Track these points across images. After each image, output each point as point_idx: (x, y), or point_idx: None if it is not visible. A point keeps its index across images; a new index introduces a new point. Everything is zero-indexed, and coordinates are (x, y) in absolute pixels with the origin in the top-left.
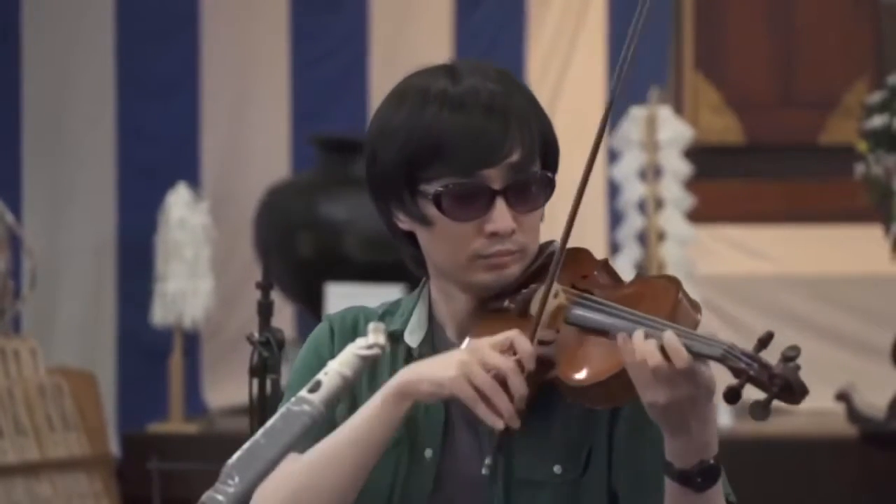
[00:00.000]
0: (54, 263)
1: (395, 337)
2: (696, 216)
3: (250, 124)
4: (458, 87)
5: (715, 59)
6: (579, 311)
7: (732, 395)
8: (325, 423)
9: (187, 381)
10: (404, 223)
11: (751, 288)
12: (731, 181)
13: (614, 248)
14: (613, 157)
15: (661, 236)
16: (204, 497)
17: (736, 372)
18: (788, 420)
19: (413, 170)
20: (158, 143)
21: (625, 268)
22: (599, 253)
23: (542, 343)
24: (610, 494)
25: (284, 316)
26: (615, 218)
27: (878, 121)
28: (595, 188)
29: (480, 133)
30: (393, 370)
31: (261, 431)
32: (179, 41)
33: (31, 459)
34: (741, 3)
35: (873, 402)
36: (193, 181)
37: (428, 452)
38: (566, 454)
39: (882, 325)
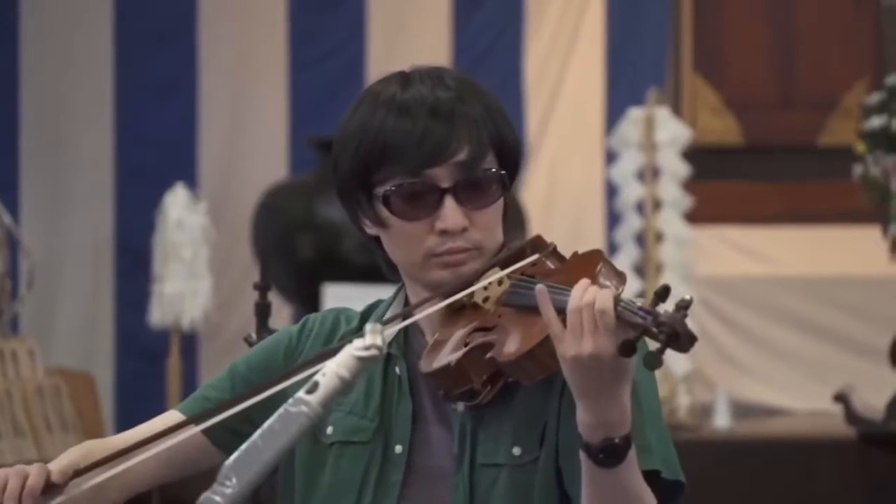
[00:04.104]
0: (52, 264)
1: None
2: (695, 217)
3: (248, 125)
4: (405, 93)
5: (714, 60)
6: (514, 293)
7: (627, 348)
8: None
9: (185, 382)
10: (370, 228)
11: (749, 289)
12: (730, 182)
13: (612, 248)
14: (611, 157)
15: (659, 237)
16: (202, 498)
17: (633, 326)
18: (787, 421)
19: (366, 174)
20: (156, 144)
21: (623, 269)
22: None
23: (485, 329)
24: (557, 473)
25: (282, 317)
26: (613, 219)
27: (876, 122)
28: (593, 189)
29: (424, 134)
30: None
31: (258, 433)
32: (178, 42)
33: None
34: (740, 3)
35: (872, 403)
36: (191, 182)
37: (398, 448)
38: (524, 436)
39: (880, 326)
